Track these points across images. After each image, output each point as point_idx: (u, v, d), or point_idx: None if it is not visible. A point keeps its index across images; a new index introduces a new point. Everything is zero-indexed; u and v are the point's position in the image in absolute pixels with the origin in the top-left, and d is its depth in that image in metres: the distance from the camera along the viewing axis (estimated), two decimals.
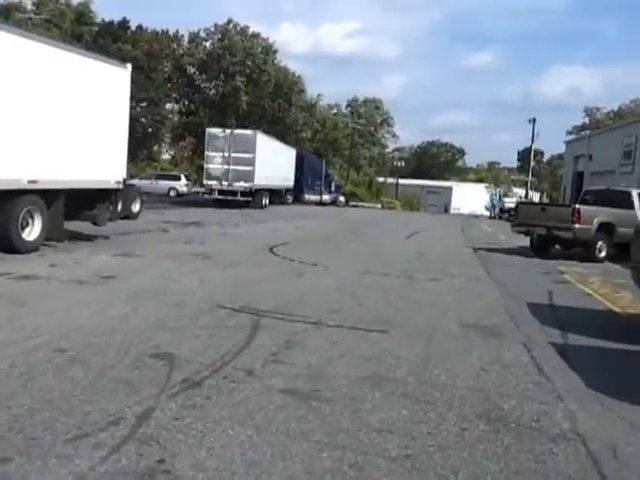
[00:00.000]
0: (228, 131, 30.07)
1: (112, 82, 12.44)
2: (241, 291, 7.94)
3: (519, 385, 4.90)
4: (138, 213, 18.04)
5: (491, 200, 45.72)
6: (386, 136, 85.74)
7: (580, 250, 15.96)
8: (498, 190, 54.03)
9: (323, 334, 6.08)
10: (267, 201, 31.79)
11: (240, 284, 8.44)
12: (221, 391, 4.40)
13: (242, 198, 29.22)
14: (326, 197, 46.40)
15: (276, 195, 36.23)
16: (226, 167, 28.97)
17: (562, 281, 11.55)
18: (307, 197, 43.84)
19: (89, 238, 12.66)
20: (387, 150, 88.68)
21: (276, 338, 5.78)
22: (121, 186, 12.99)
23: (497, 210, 42.72)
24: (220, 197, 29.61)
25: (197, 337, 5.72)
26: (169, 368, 4.85)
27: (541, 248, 16.41)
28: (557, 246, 16.77)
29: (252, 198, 29.43)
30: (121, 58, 40.36)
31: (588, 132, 48.61)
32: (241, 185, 28.93)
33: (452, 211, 55.26)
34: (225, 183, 29.07)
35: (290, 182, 38.96)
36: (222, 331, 5.95)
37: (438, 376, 5.00)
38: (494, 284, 10.31)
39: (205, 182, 29.97)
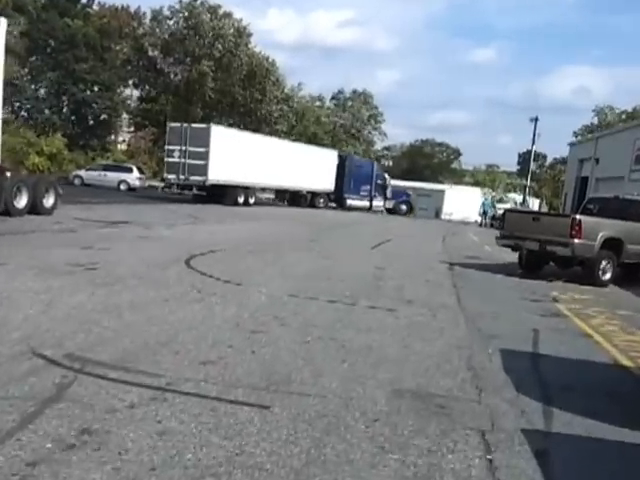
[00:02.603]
0: (186, 125, 31.63)
1: None
2: (91, 325, 5.86)
3: None
4: (52, 208, 15.90)
5: (482, 206, 43.88)
6: (373, 132, 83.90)
7: (579, 270, 14.06)
8: (490, 195, 52.26)
9: (158, 414, 4.02)
10: (250, 199, 33.10)
11: (100, 313, 6.35)
12: None
13: (197, 192, 31.31)
14: (378, 203, 44.48)
15: (296, 197, 38.99)
16: (183, 161, 30.49)
17: (554, 313, 9.59)
18: (349, 202, 42.82)
19: None
20: (375, 148, 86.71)
21: (69, 423, 3.74)
22: None
23: (489, 217, 40.88)
24: (179, 191, 31.88)
25: None
26: None
27: (532, 266, 14.48)
28: (552, 263, 14.89)
29: (206, 192, 30.94)
30: (70, 36, 38.43)
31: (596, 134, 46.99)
32: (195, 179, 30.48)
33: (443, 216, 53.03)
34: (182, 177, 30.78)
35: (324, 185, 40.26)
36: None
37: None
38: (463, 317, 8.31)
39: (165, 176, 31.93)
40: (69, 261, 9.17)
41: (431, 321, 7.80)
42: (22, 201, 14.63)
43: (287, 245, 15.35)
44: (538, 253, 13.85)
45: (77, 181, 34.68)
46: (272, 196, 41.84)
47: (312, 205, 39.57)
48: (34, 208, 15.04)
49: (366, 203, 44.12)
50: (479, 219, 44.75)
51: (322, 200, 40.94)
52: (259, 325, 6.54)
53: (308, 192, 39.68)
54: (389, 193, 45.65)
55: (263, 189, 38.22)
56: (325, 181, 40.36)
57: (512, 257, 15.41)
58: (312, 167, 38.00)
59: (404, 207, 47.09)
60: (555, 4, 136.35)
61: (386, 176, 46.47)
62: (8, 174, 14.66)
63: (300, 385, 4.82)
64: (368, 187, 43.68)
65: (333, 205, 42.48)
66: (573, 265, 14.11)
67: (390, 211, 45.40)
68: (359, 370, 5.38)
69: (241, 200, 32.05)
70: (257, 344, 5.80)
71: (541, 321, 8.74)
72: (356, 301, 8.59)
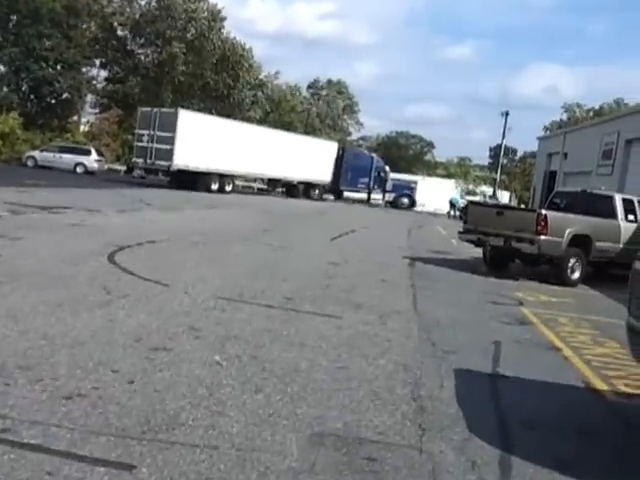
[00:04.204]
0: (156, 109, 31.31)
1: None
2: None
3: None
4: None
5: (450, 199, 43.14)
6: (349, 122, 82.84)
7: (547, 268, 13.17)
8: (459, 188, 51.54)
9: None
10: (226, 187, 32.32)
11: None
12: None
13: (163, 177, 31.62)
14: (376, 196, 43.24)
15: (289, 187, 38.52)
16: (151, 145, 30.16)
17: (519, 319, 8.59)
18: (346, 194, 42.28)
19: None
20: (351, 138, 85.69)
21: None
22: None
23: (457, 209, 40.14)
24: (143, 175, 32.24)
25: None
26: None
27: (497, 263, 13.54)
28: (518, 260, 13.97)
29: (172, 178, 30.87)
30: (33, 10, 36.31)
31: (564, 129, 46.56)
32: (161, 164, 30.13)
33: (417, 207, 52.04)
34: (149, 161, 30.47)
35: (320, 176, 39.66)
36: None
37: None
38: (416, 326, 7.24)
39: (134, 160, 31.78)
40: None
41: (379, 331, 6.70)
42: None
43: (239, 236, 14.16)
44: (503, 250, 12.92)
45: (30, 162, 32.86)
46: (264, 186, 41.10)
47: (307, 196, 38.93)
48: None
49: (363, 195, 43.43)
50: (451, 212, 44.05)
51: (317, 191, 40.44)
52: (166, 339, 5.36)
53: (300, 183, 39.08)
54: (389, 186, 44.55)
55: (249, 178, 37.85)
56: (321, 172, 39.78)
57: (479, 252, 14.45)
58: (307, 158, 37.33)
59: (406, 200, 45.75)
60: (528, 6, 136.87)
61: (387, 169, 45.31)
62: None
63: (189, 430, 3.67)
64: (366, 179, 42.81)
65: (330, 197, 41.96)
66: (540, 263, 13.23)
67: (391, 204, 44.38)
68: (275, 404, 4.25)
69: (215, 187, 31.37)
70: (153, 367, 4.63)
71: (504, 330, 7.73)
72: (297, 305, 7.46)
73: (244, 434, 3.70)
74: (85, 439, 3.36)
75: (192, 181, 30.03)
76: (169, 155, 29.52)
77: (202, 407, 4.01)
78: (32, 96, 38.95)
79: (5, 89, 37.21)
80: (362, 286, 9.48)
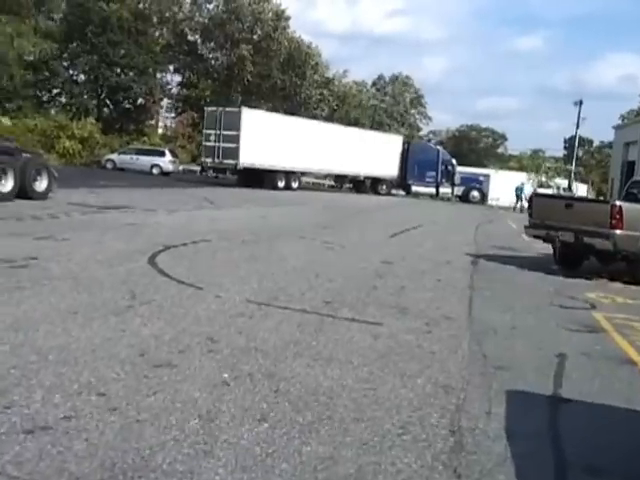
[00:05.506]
0: (221, 109, 31.14)
1: None
2: None
3: None
4: (46, 192, 14.34)
5: (516, 191, 40.84)
6: (417, 117, 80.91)
7: (624, 266, 11.74)
8: (531, 180, 48.84)
9: None
10: (292, 184, 31.91)
11: None
12: None
13: (230, 175, 31.54)
14: (445, 190, 42.37)
15: (356, 183, 37.98)
16: (218, 144, 30.08)
17: (589, 326, 7.42)
18: (414, 189, 41.66)
19: None
20: (421, 133, 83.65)
21: None
22: None
23: (524, 200, 38.05)
24: (214, 174, 32.12)
25: None
26: None
27: (569, 261, 12.19)
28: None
29: (239, 176, 30.67)
30: (103, 19, 37.05)
31: None
32: (229, 162, 29.93)
33: (490, 201, 49.64)
34: (217, 160, 30.38)
35: (387, 171, 38.95)
36: None
37: None
38: (467, 335, 6.26)
39: (203, 159, 31.87)
40: (2, 256, 7.48)
41: (422, 342, 5.79)
42: (8, 185, 13.13)
43: (295, 234, 13.46)
44: (574, 246, 11.58)
45: (109, 165, 33.73)
46: (332, 182, 40.79)
47: (374, 191, 38.05)
48: (24, 192, 13.54)
49: (432, 190, 42.18)
50: (518, 204, 41.86)
51: (384, 186, 39.52)
52: (175, 353, 4.67)
53: (367, 178, 38.30)
54: (457, 179, 42.95)
55: (316, 175, 37.54)
56: (388, 167, 38.93)
57: (551, 248, 13.09)
58: (372, 153, 36.57)
59: (476, 194, 43.70)
60: None
61: (453, 162, 43.63)
62: None
63: (160, 478, 2.94)
64: (433, 173, 41.51)
65: (401, 192, 41.14)
66: (616, 260, 11.81)
67: (461, 198, 42.86)
68: (278, 439, 3.46)
69: (281, 184, 30.96)
70: (147, 389, 3.93)
71: (571, 339, 6.63)
72: (336, 310, 6.65)
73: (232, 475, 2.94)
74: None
75: (259, 179, 29.83)
76: (235, 153, 29.41)
77: (187, 444, 3.28)
78: (109, 102, 39.85)
79: (85, 96, 38.23)
80: (413, 287, 8.55)
